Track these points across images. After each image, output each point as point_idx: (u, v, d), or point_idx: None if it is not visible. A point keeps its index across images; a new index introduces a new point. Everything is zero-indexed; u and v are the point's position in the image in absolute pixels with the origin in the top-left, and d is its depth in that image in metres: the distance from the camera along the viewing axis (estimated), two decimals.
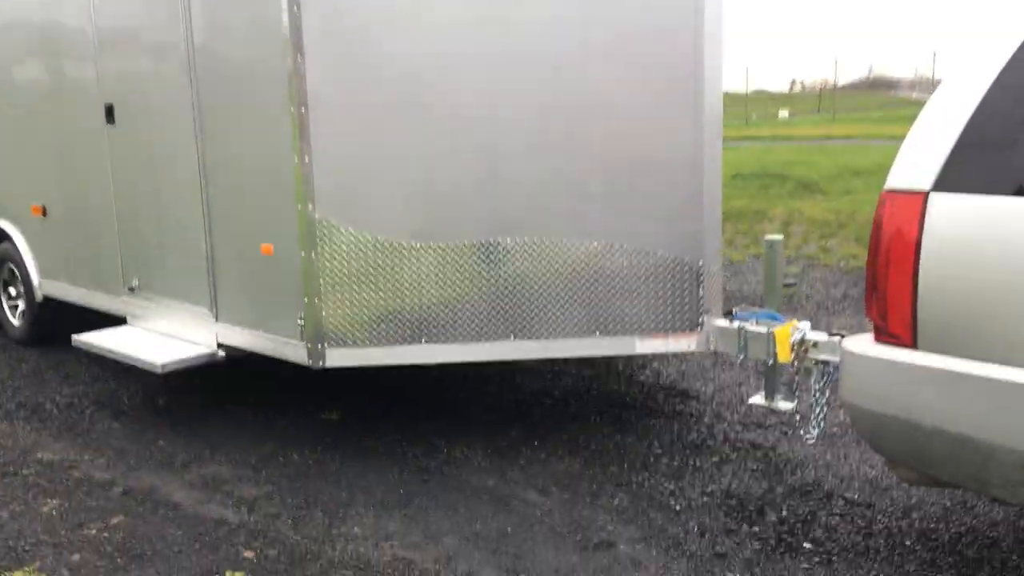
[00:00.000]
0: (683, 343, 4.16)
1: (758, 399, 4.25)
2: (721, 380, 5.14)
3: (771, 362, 3.99)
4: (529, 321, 4.09)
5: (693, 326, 4.14)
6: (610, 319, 4.10)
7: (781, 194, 12.99)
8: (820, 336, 3.79)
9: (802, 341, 3.81)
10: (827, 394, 3.83)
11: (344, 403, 4.87)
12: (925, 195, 2.66)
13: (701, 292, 4.12)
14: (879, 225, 2.78)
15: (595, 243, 4.06)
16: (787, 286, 3.92)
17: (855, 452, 4.09)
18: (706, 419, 4.57)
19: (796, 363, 3.84)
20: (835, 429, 4.34)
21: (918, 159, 2.73)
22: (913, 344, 2.70)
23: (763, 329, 3.94)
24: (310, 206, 3.98)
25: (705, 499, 3.67)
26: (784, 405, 4.17)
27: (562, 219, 4.04)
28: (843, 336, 3.72)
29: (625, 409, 4.72)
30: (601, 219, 4.04)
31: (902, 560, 3.16)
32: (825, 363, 3.78)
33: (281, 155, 4.03)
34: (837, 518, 3.48)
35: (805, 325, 3.86)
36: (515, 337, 4.11)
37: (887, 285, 2.75)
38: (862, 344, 2.85)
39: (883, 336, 2.78)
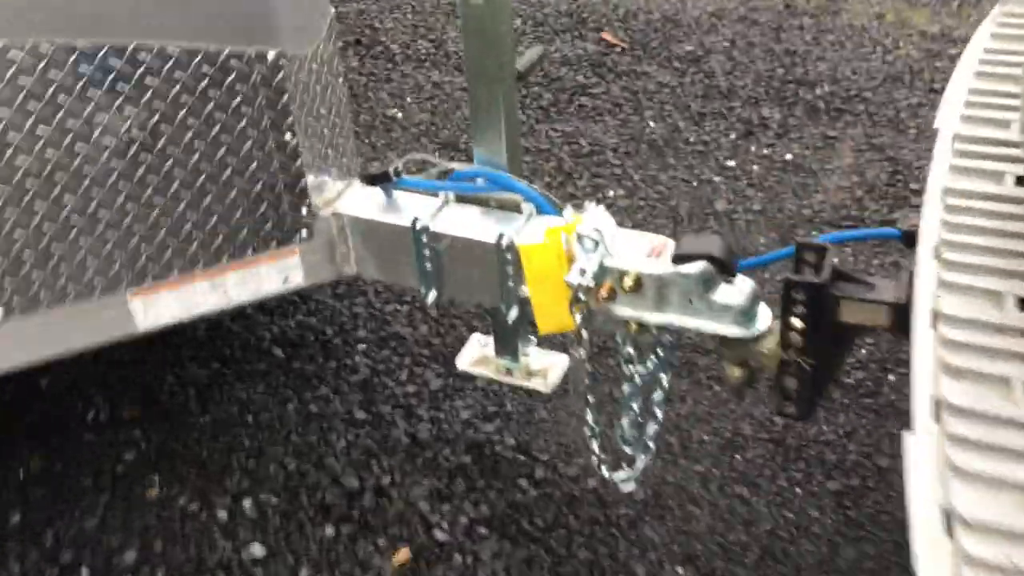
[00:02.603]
0: (270, 278, 1.49)
1: (477, 364, 1.78)
2: None
3: (512, 318, 1.49)
4: None
5: (288, 232, 1.46)
6: (77, 266, 1.30)
7: None
8: (648, 262, 1.32)
9: (601, 273, 1.32)
10: (666, 386, 1.46)
11: None
12: None
13: (289, 135, 1.41)
14: None
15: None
16: (522, 76, 1.33)
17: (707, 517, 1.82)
18: (350, 386, 1.99)
19: (583, 321, 1.36)
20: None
21: None
22: None
23: (487, 236, 1.39)
24: None
25: None
26: (539, 381, 1.74)
27: None
28: (702, 274, 1.27)
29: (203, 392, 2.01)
30: None
31: None
32: (661, 330, 1.37)
33: None
34: None
35: (602, 222, 1.33)
36: None
37: None
38: None
39: None
